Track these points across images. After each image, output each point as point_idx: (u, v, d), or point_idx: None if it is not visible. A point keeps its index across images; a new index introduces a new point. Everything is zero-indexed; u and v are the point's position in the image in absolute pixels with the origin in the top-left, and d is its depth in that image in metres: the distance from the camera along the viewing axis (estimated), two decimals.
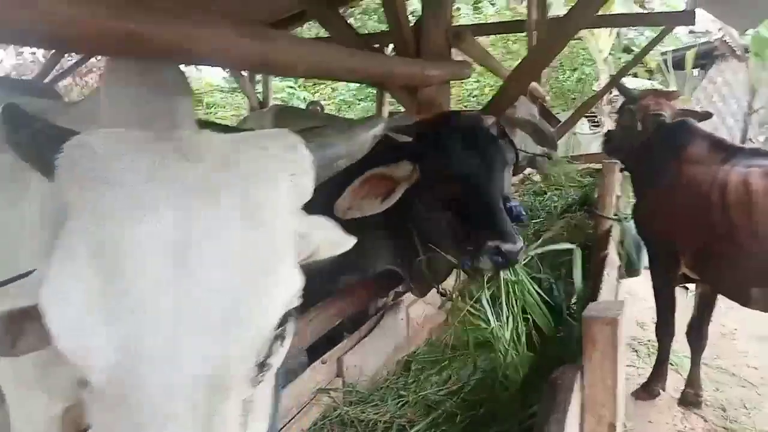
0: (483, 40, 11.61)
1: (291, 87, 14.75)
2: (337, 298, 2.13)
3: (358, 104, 14.51)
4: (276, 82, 13.88)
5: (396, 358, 2.59)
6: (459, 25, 2.91)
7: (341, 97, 14.72)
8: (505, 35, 11.80)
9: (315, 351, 2.22)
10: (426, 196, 2.15)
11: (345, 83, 14.56)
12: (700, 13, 5.93)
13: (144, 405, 0.64)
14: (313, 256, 0.90)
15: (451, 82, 3.10)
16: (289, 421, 1.85)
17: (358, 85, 14.13)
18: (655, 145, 3.64)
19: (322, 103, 14.85)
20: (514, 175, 4.76)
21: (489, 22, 11.20)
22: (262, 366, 0.74)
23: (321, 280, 2.48)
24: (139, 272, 0.66)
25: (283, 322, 0.75)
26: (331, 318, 2.00)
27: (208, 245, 0.68)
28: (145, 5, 0.96)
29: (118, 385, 0.65)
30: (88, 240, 0.67)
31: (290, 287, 0.75)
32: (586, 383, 1.27)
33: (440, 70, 2.70)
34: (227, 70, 8.44)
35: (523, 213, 2.61)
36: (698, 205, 3.19)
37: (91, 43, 0.89)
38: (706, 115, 3.74)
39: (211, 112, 11.59)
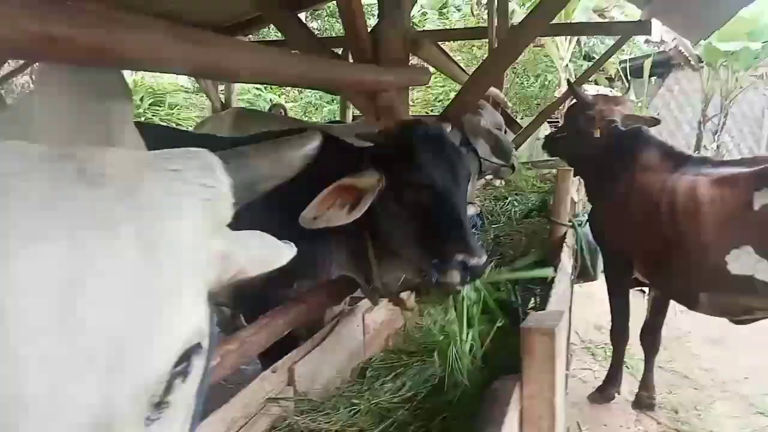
0: (449, 46, 11.71)
1: (258, 89, 14.60)
2: (288, 306, 2.10)
3: (325, 107, 14.45)
4: (242, 84, 13.75)
5: (351, 365, 2.57)
6: (417, 31, 2.90)
7: (308, 99, 14.63)
8: (470, 41, 11.91)
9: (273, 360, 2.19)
10: (392, 206, 2.14)
11: None
12: (656, 24, 6.11)
13: None
14: (240, 274, 0.86)
15: (419, 87, 3.11)
16: None
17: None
18: (609, 152, 3.72)
19: (289, 105, 14.78)
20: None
21: (453, 28, 11.30)
22: (158, 405, 0.68)
23: (273, 288, 2.47)
24: (20, 314, 0.59)
25: (184, 358, 0.70)
26: (281, 326, 1.97)
27: (99, 285, 0.62)
28: (69, 8, 0.92)
29: None
30: None
31: (191, 324, 0.70)
32: (524, 395, 1.27)
33: (396, 76, 2.70)
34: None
35: (481, 221, 2.65)
36: (649, 213, 3.26)
37: (7, 47, 0.85)
38: (654, 122, 3.83)
39: (173, 114, 11.36)
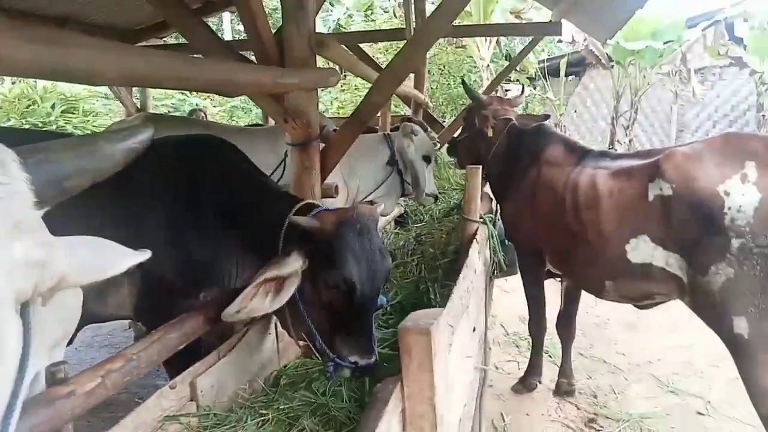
0: (374, 48, 11.75)
1: (183, 93, 14.14)
2: (183, 319, 2.01)
3: (252, 110, 14.17)
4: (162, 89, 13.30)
5: (263, 374, 2.50)
6: (321, 33, 2.88)
7: (234, 103, 14.32)
8: (396, 44, 12.01)
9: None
10: (306, 289, 2.16)
11: None
12: (568, 25, 6.35)
13: None
14: (63, 283, 0.81)
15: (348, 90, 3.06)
16: None
17: None
18: (511, 149, 3.83)
19: (216, 110, 14.40)
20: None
21: (373, 29, 11.36)
22: None
23: (177, 299, 2.38)
24: None
25: None
26: (174, 340, 1.88)
27: None
28: None
29: None
30: None
31: None
32: (405, 395, 1.26)
33: (300, 78, 2.65)
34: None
35: (385, 301, 2.76)
36: (554, 206, 3.37)
37: None
38: (545, 117, 3.99)
39: (88, 121, 10.82)
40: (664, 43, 11.01)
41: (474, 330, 2.62)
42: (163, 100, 12.86)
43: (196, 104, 13.39)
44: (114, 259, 0.91)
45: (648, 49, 10.83)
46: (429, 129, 5.25)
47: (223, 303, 2.30)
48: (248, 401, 2.25)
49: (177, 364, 2.14)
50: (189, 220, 2.40)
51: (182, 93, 13.86)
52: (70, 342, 1.73)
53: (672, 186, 2.83)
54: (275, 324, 2.63)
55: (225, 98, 14.79)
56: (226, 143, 2.59)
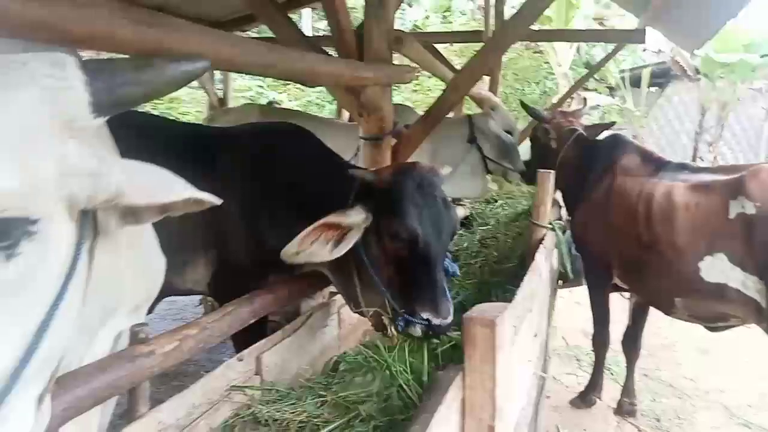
0: (449, 50, 11.73)
1: (260, 86, 14.63)
2: (254, 295, 2.11)
3: (326, 106, 14.47)
4: (245, 81, 13.79)
5: (324, 358, 2.56)
6: (401, 30, 2.93)
7: (309, 98, 14.66)
8: (472, 45, 11.94)
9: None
10: (372, 246, 2.15)
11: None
12: (654, 33, 6.12)
13: None
14: (119, 199, 0.87)
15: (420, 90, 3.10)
16: (197, 418, 1.81)
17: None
18: (582, 159, 3.75)
19: (291, 104, 14.80)
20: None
21: (448, 31, 11.32)
22: None
23: (248, 278, 2.48)
24: None
25: (3, 231, 0.72)
26: (245, 315, 1.98)
27: None
28: None
29: None
30: None
31: (4, 193, 0.71)
32: (466, 385, 1.27)
33: (376, 72, 2.71)
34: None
35: (457, 271, 2.71)
36: (626, 217, 3.27)
37: None
38: (610, 124, 3.93)
39: (173, 108, 11.38)
40: (761, 56, 10.37)
41: (535, 336, 2.59)
42: (242, 92, 13.35)
43: (273, 98, 13.81)
44: (169, 186, 0.96)
45: (741, 62, 10.23)
46: None
47: (292, 286, 2.39)
48: (309, 382, 2.32)
49: (244, 340, 2.24)
50: (264, 205, 2.49)
51: (259, 86, 14.36)
52: (150, 311, 1.85)
53: (756, 205, 2.70)
54: (338, 310, 2.69)
55: (300, 92, 15.18)
56: (303, 130, 2.65)
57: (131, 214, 0.98)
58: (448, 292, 2.15)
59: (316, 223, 2.01)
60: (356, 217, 2.08)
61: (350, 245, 2.08)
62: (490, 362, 1.24)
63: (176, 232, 1.96)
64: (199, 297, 5.67)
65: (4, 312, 0.73)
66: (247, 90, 13.87)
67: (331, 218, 2.03)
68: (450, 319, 2.05)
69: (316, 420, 2.04)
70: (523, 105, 4.48)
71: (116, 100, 0.85)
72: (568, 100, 9.62)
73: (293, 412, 2.05)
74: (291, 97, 15.04)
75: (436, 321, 2.04)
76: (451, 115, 5.40)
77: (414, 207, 2.07)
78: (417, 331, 2.09)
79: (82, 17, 1.01)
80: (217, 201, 1.02)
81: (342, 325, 2.73)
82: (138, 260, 1.40)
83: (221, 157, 2.53)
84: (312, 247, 2.05)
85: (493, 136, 4.71)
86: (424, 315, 2.05)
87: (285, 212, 2.45)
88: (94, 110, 0.82)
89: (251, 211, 2.50)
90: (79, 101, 0.80)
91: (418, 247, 2.07)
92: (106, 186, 0.84)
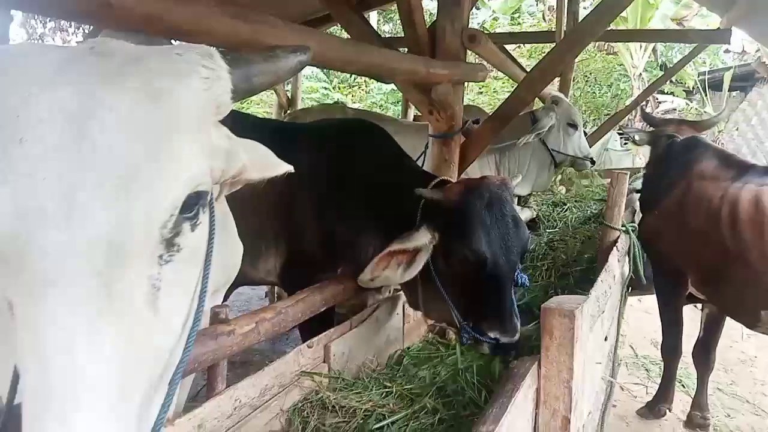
0: (518, 52, 11.57)
1: (325, 88, 14.94)
2: (326, 284, 2.17)
3: (390, 108, 14.59)
4: (311, 83, 14.13)
5: (388, 351, 2.60)
6: (474, 28, 2.91)
7: (373, 100, 14.83)
8: (540, 46, 11.72)
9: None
10: (440, 262, 2.15)
11: (377, 87, 14.68)
12: (739, 34, 5.82)
13: (41, 266, 0.68)
14: (244, 174, 0.96)
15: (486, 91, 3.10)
16: (269, 399, 1.88)
17: (390, 89, 14.23)
18: (662, 161, 3.60)
19: (355, 106, 15.03)
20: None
21: (519, 31, 11.14)
22: (170, 245, 0.77)
23: (318, 269, 2.55)
24: (40, 138, 0.70)
25: (191, 204, 0.80)
26: (317, 302, 2.04)
27: (110, 117, 0.73)
28: None
29: (15, 245, 0.69)
30: None
31: (192, 169, 0.79)
32: (542, 374, 1.27)
33: (449, 70, 2.73)
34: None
35: (527, 281, 2.67)
36: (707, 223, 3.12)
37: (71, 9, 0.96)
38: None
39: (242, 107, 11.79)
40: None
41: (605, 339, 2.53)
42: (309, 94, 13.67)
43: (338, 99, 14.07)
44: (276, 162, 1.06)
45: None
46: None
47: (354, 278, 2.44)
48: (374, 373, 2.36)
49: (310, 329, 2.31)
50: (335, 199, 2.55)
51: (324, 88, 14.66)
52: (224, 300, 1.94)
53: None
54: (403, 305, 2.72)
55: (364, 95, 15.38)
56: (375, 127, 2.70)
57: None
58: (515, 306, 2.13)
59: (383, 252, 2.07)
60: (422, 240, 2.09)
61: (420, 267, 2.11)
62: (568, 353, 1.23)
63: (251, 222, 2.05)
64: (265, 290, 5.86)
65: (188, 276, 0.84)
66: (313, 92, 14.19)
67: (398, 245, 2.07)
68: (518, 335, 2.03)
69: (381, 409, 2.07)
70: (644, 113, 4.38)
71: (250, 87, 0.94)
72: (642, 103, 9.28)
73: (359, 401, 2.10)
74: (355, 100, 15.26)
75: (503, 339, 2.03)
76: None
77: (482, 229, 2.04)
78: (485, 349, 2.11)
79: (188, 13, 1.09)
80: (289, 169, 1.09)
81: (406, 320, 2.76)
82: (222, 244, 1.48)
83: (299, 152, 2.61)
84: (384, 272, 2.11)
85: (555, 127, 4.67)
86: (492, 334, 2.05)
87: (356, 207, 2.50)
88: (233, 97, 0.91)
89: (324, 205, 2.56)
90: (225, 89, 0.89)
91: (485, 270, 2.04)
92: (235, 163, 0.94)
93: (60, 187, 0.69)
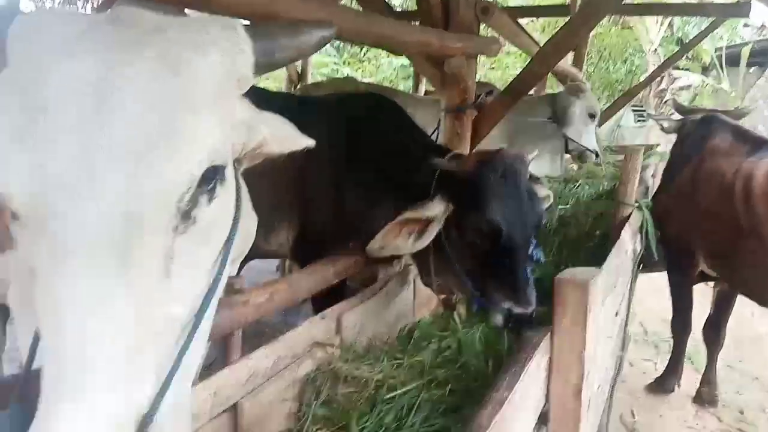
0: (531, 27, 11.38)
1: (335, 63, 14.82)
2: (339, 257, 2.18)
3: (400, 84, 14.47)
4: (320, 57, 14.01)
5: (399, 325, 2.62)
6: (487, 0, 2.86)
7: (383, 75, 14.70)
8: (554, 21, 11.53)
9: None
10: (453, 233, 2.15)
11: (388, 62, 14.54)
12: (759, 7, 5.68)
13: (59, 234, 0.69)
14: (264, 147, 0.97)
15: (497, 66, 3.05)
16: (282, 369, 1.91)
17: (401, 64, 14.09)
18: (679, 139, 3.57)
19: (365, 81, 14.92)
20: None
21: (533, 5, 10.95)
22: (186, 217, 0.78)
23: (329, 244, 2.56)
24: (60, 108, 0.71)
25: (208, 178, 0.80)
26: (330, 274, 2.05)
27: (130, 87, 0.73)
28: None
29: (35, 213, 0.71)
30: (15, 83, 0.74)
31: (210, 142, 0.79)
32: (554, 345, 1.28)
33: (463, 43, 2.69)
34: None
35: (542, 257, 2.64)
36: (719, 199, 3.09)
37: None
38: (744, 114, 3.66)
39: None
40: None
41: (616, 314, 2.54)
42: (319, 68, 13.57)
43: (347, 74, 13.95)
44: (297, 136, 1.05)
45: None
46: None
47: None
48: (385, 345, 2.38)
49: (323, 302, 2.33)
50: (348, 173, 2.55)
51: (335, 62, 14.54)
52: (238, 272, 1.95)
53: None
54: (414, 279, 2.74)
55: (374, 70, 15.24)
56: (388, 101, 2.68)
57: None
58: (531, 279, 2.11)
59: (397, 219, 2.06)
60: (436, 210, 2.09)
61: (431, 237, 2.11)
62: (581, 324, 1.24)
63: (264, 194, 2.05)
64: (276, 264, 5.91)
65: (204, 251, 0.84)
66: (323, 66, 14.08)
67: (411, 214, 2.07)
68: (532, 308, 2.02)
69: (392, 380, 2.10)
70: (677, 105, 4.28)
71: (272, 61, 0.93)
72: (657, 79, 9.14)
73: (371, 372, 2.12)
74: (365, 74, 15.13)
75: (517, 310, 2.02)
76: (532, 92, 5.32)
77: (496, 200, 2.03)
78: (498, 320, 2.09)
79: None
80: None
81: (417, 294, 2.77)
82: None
83: (313, 126, 2.61)
84: (395, 241, 2.11)
85: (576, 117, 4.62)
86: (505, 305, 2.04)
87: (370, 181, 2.50)
88: (255, 70, 0.90)
89: (338, 178, 2.57)
90: (247, 62, 0.88)
91: (500, 241, 2.04)
92: (256, 136, 0.94)
93: (80, 157, 0.70)
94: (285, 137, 1.03)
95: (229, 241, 0.90)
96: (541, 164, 4.82)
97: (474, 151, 2.34)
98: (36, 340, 0.88)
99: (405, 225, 2.10)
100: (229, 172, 0.90)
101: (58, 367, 0.68)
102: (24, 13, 0.84)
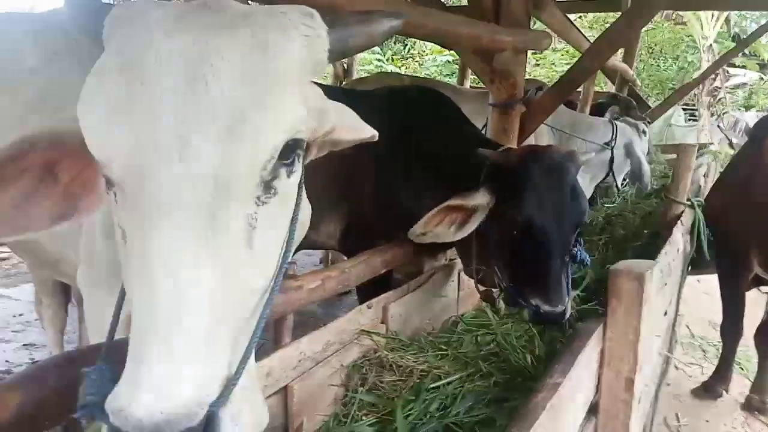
0: (580, 23, 11.16)
1: (379, 60, 14.90)
2: (386, 247, 2.22)
3: (445, 80, 14.43)
4: (364, 55, 14.10)
5: (443, 317, 2.65)
6: None
7: (427, 72, 14.69)
8: (603, 18, 11.29)
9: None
10: (493, 224, 2.17)
11: (431, 59, 14.51)
12: None
13: (154, 196, 0.75)
14: (334, 134, 1.01)
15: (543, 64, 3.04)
16: (330, 355, 1.96)
17: (444, 60, 14.04)
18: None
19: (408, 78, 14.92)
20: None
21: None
22: (267, 187, 0.83)
23: (375, 236, 2.59)
24: (159, 80, 0.77)
25: (290, 151, 0.85)
26: (378, 263, 2.09)
27: (223, 63, 0.79)
28: None
29: (133, 177, 0.77)
30: (118, 61, 0.80)
31: (292, 117, 0.84)
32: (607, 336, 1.28)
33: (513, 37, 2.68)
34: None
35: (587, 258, 2.62)
36: None
37: None
38: None
39: None
40: None
41: (665, 314, 2.50)
42: (363, 66, 13.67)
43: (391, 71, 14.00)
44: (363, 125, 1.11)
45: None
46: (636, 106, 4.97)
47: (419, 244, 2.48)
48: (429, 336, 2.41)
49: (369, 292, 2.37)
50: (399, 167, 2.57)
51: (378, 59, 14.62)
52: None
53: None
54: (458, 273, 2.76)
55: (418, 67, 15.23)
56: (439, 94, 2.70)
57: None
58: (567, 280, 2.11)
59: (441, 206, 2.08)
60: (480, 200, 2.11)
61: (473, 227, 2.13)
62: (636, 315, 1.24)
63: (315, 184, 2.10)
64: (320, 256, 6.00)
65: (278, 221, 0.88)
66: (368, 63, 14.18)
67: (456, 201, 2.08)
68: (562, 308, 2.02)
69: (437, 371, 2.13)
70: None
71: (345, 49, 0.98)
72: (711, 76, 8.83)
73: (416, 361, 2.16)
74: (409, 72, 15.16)
75: (545, 308, 2.03)
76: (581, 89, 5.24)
77: (534, 194, 2.03)
78: (525, 315, 2.12)
79: None
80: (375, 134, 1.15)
81: (461, 287, 2.79)
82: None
83: (365, 117, 2.65)
84: (437, 228, 2.13)
85: (634, 157, 4.60)
86: (534, 301, 2.05)
87: (419, 173, 2.52)
88: (329, 56, 0.95)
89: (387, 170, 2.60)
90: (323, 48, 0.93)
91: (534, 234, 2.04)
92: (327, 122, 0.98)
93: (175, 126, 0.76)
94: (353, 126, 1.07)
95: (294, 221, 0.94)
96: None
97: (524, 145, 2.34)
98: (119, 305, 0.94)
99: (448, 213, 2.12)
100: (301, 155, 0.94)
101: (146, 324, 0.72)
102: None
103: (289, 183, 0.88)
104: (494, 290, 2.53)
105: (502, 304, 2.55)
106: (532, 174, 2.06)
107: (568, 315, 2.07)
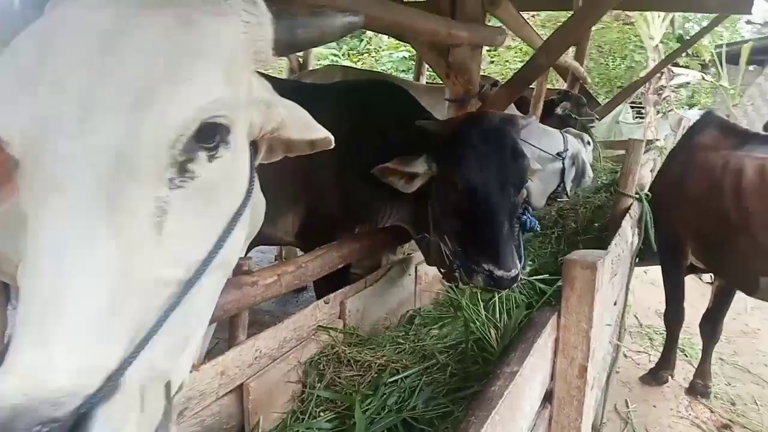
0: (533, 21, 11.37)
1: (335, 55, 14.82)
2: (343, 242, 2.20)
3: (400, 75, 14.47)
4: (319, 50, 14.00)
5: (400, 311, 2.66)
6: None
7: (383, 67, 14.70)
8: (556, 16, 11.53)
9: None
10: (439, 194, 2.18)
11: (387, 55, 14.52)
12: (762, 4, 5.70)
13: (48, 170, 0.69)
14: (282, 130, 0.97)
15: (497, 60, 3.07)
16: (287, 352, 1.94)
17: (400, 56, 14.07)
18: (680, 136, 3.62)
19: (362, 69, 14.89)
20: None
21: None
22: (182, 170, 0.77)
23: (336, 229, 2.58)
24: (69, 51, 0.73)
25: (210, 133, 0.80)
26: (335, 259, 2.08)
27: (138, 36, 0.75)
28: None
29: (31, 152, 0.71)
30: (34, 33, 0.76)
31: (208, 95, 0.79)
32: (561, 324, 1.31)
33: (469, 32, 2.71)
34: None
35: (536, 225, 2.60)
36: (708, 192, 3.14)
37: None
38: None
39: None
40: None
41: (615, 303, 2.57)
42: (319, 60, 13.57)
43: (347, 66, 13.96)
44: (314, 125, 1.06)
45: None
46: (586, 103, 5.10)
47: (376, 237, 2.48)
48: (387, 330, 2.42)
49: (326, 287, 2.35)
50: (354, 161, 2.56)
51: (334, 55, 14.54)
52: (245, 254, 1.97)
53: None
54: (415, 267, 2.77)
55: (373, 63, 15.23)
56: (395, 87, 2.68)
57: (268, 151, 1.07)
58: (518, 245, 2.10)
59: (379, 167, 2.10)
60: (418, 168, 2.11)
61: (415, 187, 2.15)
62: (588, 304, 1.27)
63: (271, 181, 2.07)
64: (275, 254, 5.93)
65: (202, 211, 0.81)
66: (323, 58, 14.08)
67: (393, 165, 2.09)
68: (515, 272, 1.99)
69: (395, 364, 2.13)
70: None
71: (293, 41, 0.94)
72: (657, 75, 9.15)
73: (374, 356, 2.16)
74: (365, 67, 15.14)
75: (498, 273, 1.98)
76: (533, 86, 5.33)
77: (473, 156, 2.02)
78: (479, 281, 2.05)
79: None
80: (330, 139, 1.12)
81: (419, 281, 2.81)
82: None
83: (320, 112, 2.61)
84: (390, 178, 2.16)
85: (580, 163, 4.69)
86: (486, 266, 2.00)
87: (375, 166, 2.51)
88: (275, 48, 0.91)
89: (344, 164, 2.57)
90: (266, 38, 0.89)
91: (476, 197, 2.02)
92: (275, 117, 0.94)
93: (79, 98, 0.71)
94: (303, 124, 1.03)
95: (238, 214, 0.89)
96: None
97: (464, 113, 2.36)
98: None
99: (394, 174, 2.13)
100: (240, 143, 0.89)
101: (27, 310, 0.65)
102: None
103: (213, 168, 0.81)
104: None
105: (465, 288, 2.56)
106: (470, 137, 2.06)
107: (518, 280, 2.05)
